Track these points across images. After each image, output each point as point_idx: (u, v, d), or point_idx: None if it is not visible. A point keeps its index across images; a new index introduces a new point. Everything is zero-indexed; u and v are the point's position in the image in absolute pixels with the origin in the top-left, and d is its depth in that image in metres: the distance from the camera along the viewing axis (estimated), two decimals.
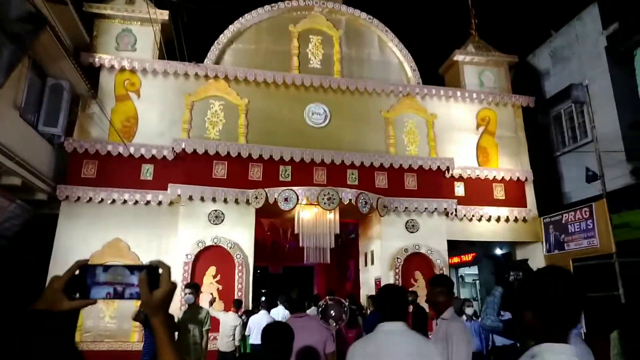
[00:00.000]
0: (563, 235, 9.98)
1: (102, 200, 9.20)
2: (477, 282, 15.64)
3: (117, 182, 9.36)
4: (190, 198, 9.31)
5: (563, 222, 10.01)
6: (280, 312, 8.10)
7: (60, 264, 8.61)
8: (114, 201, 9.26)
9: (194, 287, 6.31)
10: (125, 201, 9.29)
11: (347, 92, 11.03)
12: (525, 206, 11.15)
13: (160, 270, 1.19)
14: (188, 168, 9.59)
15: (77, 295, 1.16)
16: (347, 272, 13.40)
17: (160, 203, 9.42)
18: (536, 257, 10.89)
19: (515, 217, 10.97)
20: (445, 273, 9.87)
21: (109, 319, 8.68)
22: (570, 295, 1.45)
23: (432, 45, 14.37)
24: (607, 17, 11.48)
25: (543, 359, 1.40)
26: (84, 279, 1.17)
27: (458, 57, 12.17)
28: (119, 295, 1.17)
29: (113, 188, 9.27)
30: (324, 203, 9.18)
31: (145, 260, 9.07)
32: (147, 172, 9.67)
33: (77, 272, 1.16)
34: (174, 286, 1.19)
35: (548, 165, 12.50)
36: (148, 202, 9.39)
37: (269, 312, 8.02)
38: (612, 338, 4.59)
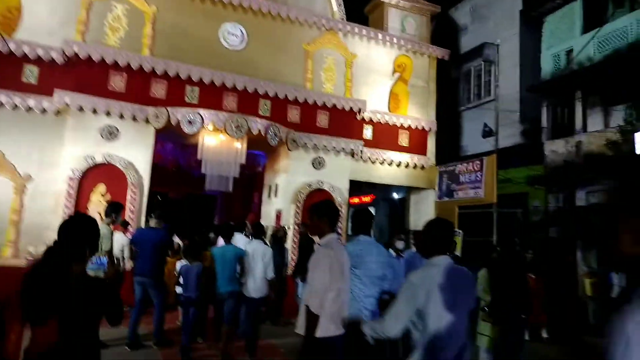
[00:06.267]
0: (454, 185, 10.74)
1: None
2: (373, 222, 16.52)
3: None
4: (81, 109, 8.39)
5: (456, 172, 10.72)
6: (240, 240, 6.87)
7: None
8: None
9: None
10: (1, 104, 8.16)
11: (269, 16, 10.39)
12: (425, 154, 11.74)
13: None
14: (80, 75, 8.56)
15: None
16: (251, 204, 13.34)
17: (44, 111, 8.40)
18: (428, 202, 11.69)
19: (415, 164, 11.53)
20: (343, 210, 10.22)
21: None
22: (440, 231, 2.71)
23: None
24: None
25: (433, 262, 2.61)
26: None
27: None
28: None
29: None
30: (232, 130, 8.83)
31: (22, 170, 8.18)
32: (31, 74, 8.50)
33: None
34: None
35: (451, 118, 13.16)
36: (30, 109, 8.33)
37: None
38: (479, 276, 5.05)
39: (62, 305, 2.05)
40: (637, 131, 7.55)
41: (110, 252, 5.65)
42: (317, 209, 3.37)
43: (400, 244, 6.65)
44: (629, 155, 7.67)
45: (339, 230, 9.79)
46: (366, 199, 15.29)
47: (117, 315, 2.35)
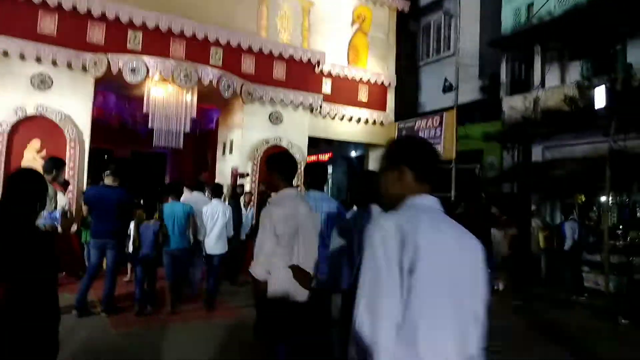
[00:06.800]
0: None
1: None
2: (330, 180, 16.36)
3: None
4: (6, 54, 7.40)
5: (415, 128, 10.58)
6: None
7: None
8: None
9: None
10: None
11: None
12: (385, 110, 11.50)
13: None
14: (3, 15, 7.47)
15: None
16: (204, 162, 12.73)
17: None
18: None
19: (374, 120, 11.29)
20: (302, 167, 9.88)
21: None
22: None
23: None
24: None
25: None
26: None
27: None
28: None
29: None
30: (180, 80, 8.14)
31: None
32: None
33: None
34: None
35: (410, 73, 12.92)
36: None
37: None
38: None
39: (19, 263, 1.91)
40: (594, 87, 7.59)
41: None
42: (271, 161, 3.03)
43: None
44: (586, 110, 7.74)
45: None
46: (324, 157, 15.02)
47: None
